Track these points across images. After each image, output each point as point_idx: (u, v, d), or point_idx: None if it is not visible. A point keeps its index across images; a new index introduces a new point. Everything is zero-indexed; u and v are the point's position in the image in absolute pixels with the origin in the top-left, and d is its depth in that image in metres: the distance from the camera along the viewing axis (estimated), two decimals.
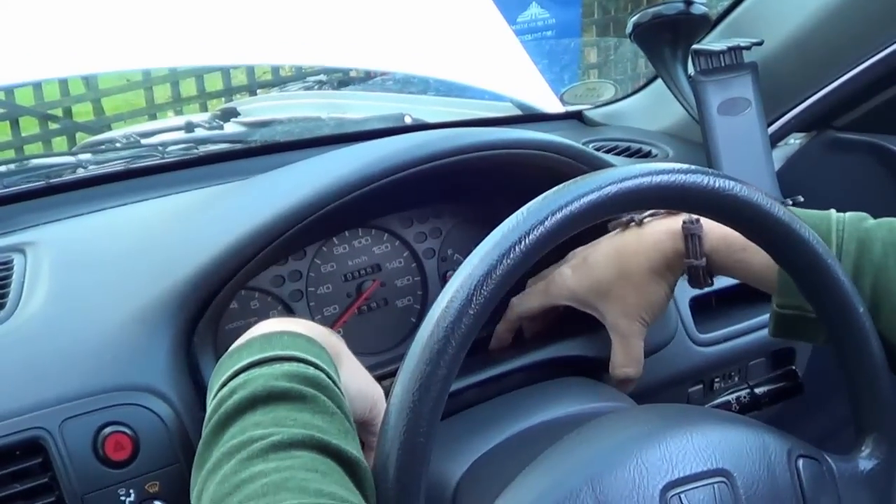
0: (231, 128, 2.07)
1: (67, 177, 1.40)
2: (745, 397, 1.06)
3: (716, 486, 0.78)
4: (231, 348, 0.84)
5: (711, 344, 1.21)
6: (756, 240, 0.84)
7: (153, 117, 5.13)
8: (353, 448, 0.74)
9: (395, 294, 1.24)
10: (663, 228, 1.01)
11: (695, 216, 0.98)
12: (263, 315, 1.16)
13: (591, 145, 1.43)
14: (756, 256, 0.94)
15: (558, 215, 0.73)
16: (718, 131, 1.24)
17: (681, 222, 0.99)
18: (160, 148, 1.53)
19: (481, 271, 0.71)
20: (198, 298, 0.96)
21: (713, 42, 1.29)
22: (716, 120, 1.23)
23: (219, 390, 0.79)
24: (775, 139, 1.32)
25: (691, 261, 0.99)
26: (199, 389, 0.95)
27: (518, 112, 1.72)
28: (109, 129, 4.04)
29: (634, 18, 1.34)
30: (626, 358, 1.06)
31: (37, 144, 4.52)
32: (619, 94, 1.59)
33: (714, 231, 0.98)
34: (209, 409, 0.78)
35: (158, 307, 0.95)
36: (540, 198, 0.74)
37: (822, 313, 0.85)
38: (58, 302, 1.00)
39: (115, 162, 1.47)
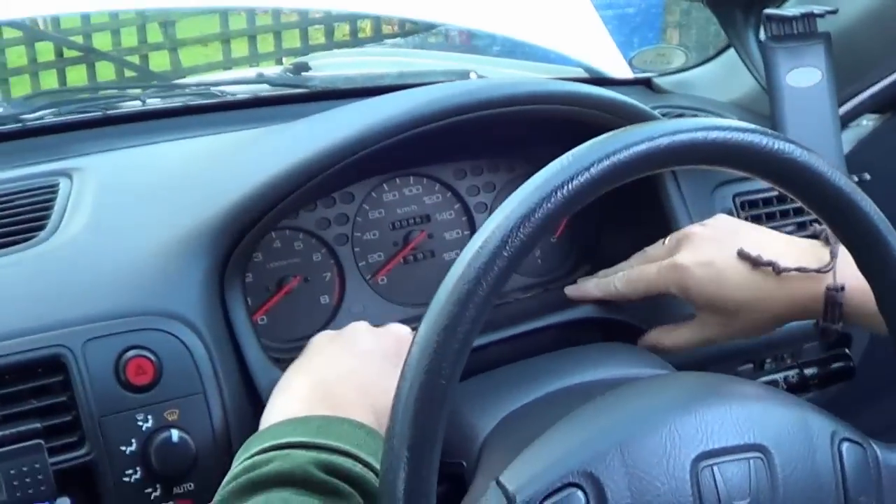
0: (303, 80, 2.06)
1: (124, 109, 1.39)
2: (793, 377, 1.02)
3: (751, 461, 0.74)
4: (286, 418, 0.81)
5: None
6: (814, 209, 0.79)
7: (228, 70, 5.14)
8: None
9: (443, 247, 1.21)
10: (806, 290, 0.97)
11: (839, 283, 0.95)
12: (307, 257, 1.14)
13: (656, 111, 1.38)
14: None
15: (605, 163, 0.69)
16: (786, 101, 1.18)
17: (824, 287, 0.96)
18: (222, 91, 1.52)
19: (519, 213, 0.67)
20: (231, 232, 0.95)
21: (789, 8, 1.23)
22: (784, 89, 1.18)
23: (258, 453, 0.76)
24: (847, 119, 1.26)
25: (828, 325, 0.97)
26: (226, 322, 0.93)
27: (586, 76, 1.68)
28: (183, 79, 4.05)
29: None
30: (680, 341, 1.04)
31: (111, 91, 4.54)
32: (690, 61, 1.54)
33: (857, 294, 0.94)
34: (239, 465, 0.76)
35: (193, 238, 0.94)
36: (587, 144, 0.71)
37: (881, 292, 0.81)
38: (95, 227, 0.99)
39: (176, 98, 1.46)
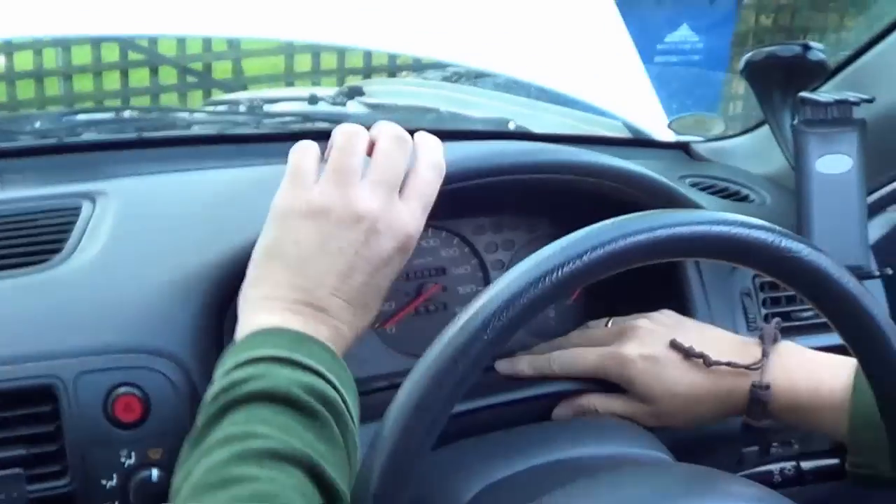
0: (353, 106, 2.07)
1: (159, 133, 1.41)
2: (789, 470, 1.00)
3: None
4: (261, 326, 0.80)
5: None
6: (820, 309, 0.78)
7: (290, 84, 5.17)
8: (343, 484, 0.72)
9: (456, 300, 1.21)
10: (734, 386, 0.99)
11: (765, 381, 0.97)
12: None
13: (687, 180, 1.37)
14: (827, 418, 0.94)
15: (599, 252, 0.69)
16: (814, 187, 1.17)
17: (749, 384, 0.98)
18: (259, 116, 1.54)
19: (503, 297, 0.67)
20: (234, 273, 0.95)
21: (826, 93, 1.22)
22: (813, 174, 1.17)
23: (235, 368, 0.76)
24: (875, 208, 1.24)
25: (750, 421, 0.99)
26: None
27: (626, 133, 1.67)
28: (245, 89, 4.09)
29: (748, 56, 1.27)
30: (610, 409, 1.04)
31: (172, 94, 4.60)
32: (729, 130, 1.52)
33: (783, 394, 0.97)
34: (219, 381, 0.76)
35: (197, 276, 0.95)
36: (583, 231, 0.70)
37: (882, 399, 0.79)
38: (106, 256, 1.00)
39: (209, 125, 1.48)
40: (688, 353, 1.00)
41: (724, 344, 1.02)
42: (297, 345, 0.78)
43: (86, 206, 1.12)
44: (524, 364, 1.10)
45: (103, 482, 0.85)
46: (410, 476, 0.66)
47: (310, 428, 0.72)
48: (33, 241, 1.04)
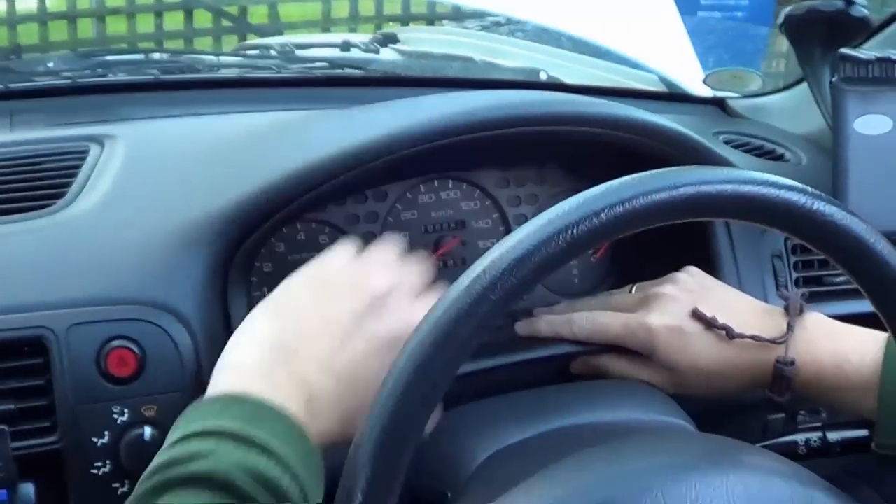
0: (386, 53, 2.04)
1: (177, 76, 1.37)
2: (815, 441, 0.96)
3: None
4: (220, 393, 0.72)
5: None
6: (852, 276, 0.73)
7: (326, 30, 5.13)
8: None
9: (476, 255, 1.14)
10: (757, 360, 0.96)
11: (789, 357, 0.94)
12: None
13: (721, 137, 1.32)
14: (851, 395, 0.91)
15: (618, 209, 0.64)
16: (851, 147, 1.11)
17: (774, 359, 0.94)
18: (284, 61, 1.49)
19: (513, 256, 0.63)
20: (242, 224, 0.91)
21: (868, 50, 1.16)
22: (851, 134, 1.11)
23: (182, 439, 0.68)
24: None
25: (774, 396, 0.95)
26: (223, 319, 0.90)
27: (660, 87, 1.62)
28: (281, 34, 4.05)
29: (788, 10, 1.22)
30: (627, 374, 1.02)
31: (206, 39, 4.57)
32: (767, 87, 1.46)
33: (807, 370, 0.93)
34: (162, 453, 0.68)
35: (201, 226, 0.91)
36: (602, 187, 0.66)
37: None
38: (112, 202, 0.97)
39: (232, 68, 1.44)
40: (710, 325, 0.96)
41: (748, 314, 0.98)
42: (257, 418, 0.69)
43: (93, 150, 1.09)
44: (543, 324, 1.06)
45: (94, 439, 0.81)
46: (410, 442, 0.63)
47: None
48: (37, 185, 1.00)
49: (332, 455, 0.76)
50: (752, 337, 0.95)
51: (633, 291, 1.06)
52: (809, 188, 0.68)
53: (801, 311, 0.96)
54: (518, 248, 0.63)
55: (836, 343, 0.93)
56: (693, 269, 1.05)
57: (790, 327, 0.95)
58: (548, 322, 1.05)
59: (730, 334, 0.95)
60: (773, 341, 0.94)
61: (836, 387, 0.92)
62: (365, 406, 0.75)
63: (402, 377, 0.62)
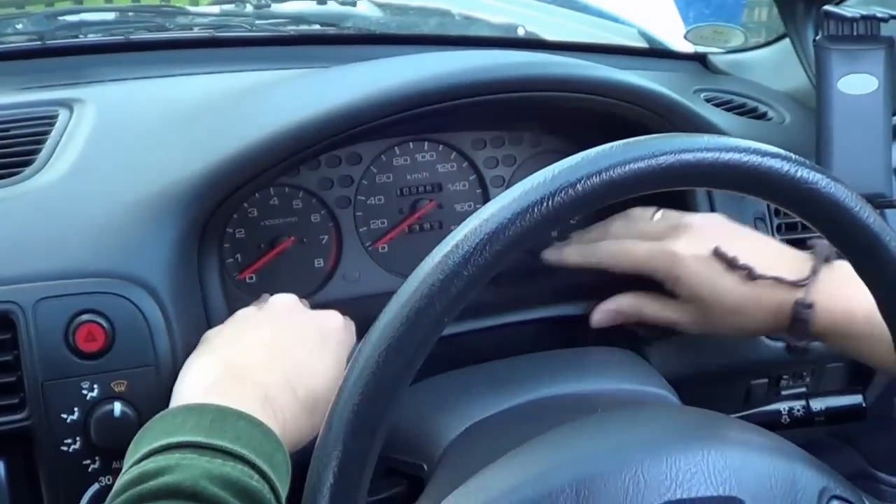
0: (363, 7, 1.99)
1: (147, 35, 1.34)
2: (798, 410, 0.95)
3: None
4: (180, 405, 0.74)
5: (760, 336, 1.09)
6: (836, 243, 0.72)
7: None
8: None
9: (452, 218, 1.15)
10: (778, 302, 0.93)
11: (809, 300, 0.92)
12: (304, 217, 1.09)
13: (703, 94, 1.30)
14: (870, 344, 0.88)
15: (594, 180, 0.62)
16: (835, 107, 1.09)
17: (794, 301, 0.92)
18: (252, 17, 1.46)
19: (487, 229, 0.61)
20: (215, 192, 0.89)
21: (852, 7, 1.13)
22: (834, 93, 1.08)
23: (147, 455, 0.69)
24: None
25: (791, 339, 0.94)
26: (196, 289, 0.88)
27: (641, 42, 1.59)
28: None
29: None
30: (658, 316, 1.00)
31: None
32: (749, 42, 1.44)
33: (826, 315, 0.91)
34: (128, 471, 0.68)
35: (171, 195, 0.88)
36: (578, 156, 0.64)
37: None
38: (80, 171, 0.94)
39: (203, 27, 1.40)
40: (732, 264, 0.94)
41: (773, 257, 0.96)
42: (220, 424, 0.71)
43: (62, 115, 1.06)
44: (572, 251, 1.05)
45: (64, 416, 0.79)
46: (382, 421, 0.61)
47: None
48: (3, 153, 0.97)
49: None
50: (774, 278, 0.93)
51: (657, 217, 1.03)
52: (793, 155, 0.66)
53: (829, 259, 0.94)
54: (492, 222, 0.61)
55: (860, 292, 0.91)
56: (717, 215, 1.03)
57: (815, 270, 0.93)
58: (577, 250, 1.05)
59: (751, 274, 0.93)
60: (795, 283, 0.92)
61: (854, 335, 0.90)
62: (319, 393, 0.80)
63: (373, 356, 0.60)
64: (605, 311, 1.03)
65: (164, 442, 0.69)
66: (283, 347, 0.83)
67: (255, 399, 0.75)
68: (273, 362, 0.80)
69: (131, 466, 0.68)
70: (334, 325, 0.89)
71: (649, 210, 1.05)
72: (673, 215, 1.02)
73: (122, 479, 0.67)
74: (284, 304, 0.90)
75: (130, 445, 0.72)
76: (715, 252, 0.95)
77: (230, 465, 0.67)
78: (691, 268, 0.95)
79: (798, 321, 0.92)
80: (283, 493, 0.71)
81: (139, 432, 0.72)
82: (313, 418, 0.80)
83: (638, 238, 1.01)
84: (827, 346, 0.95)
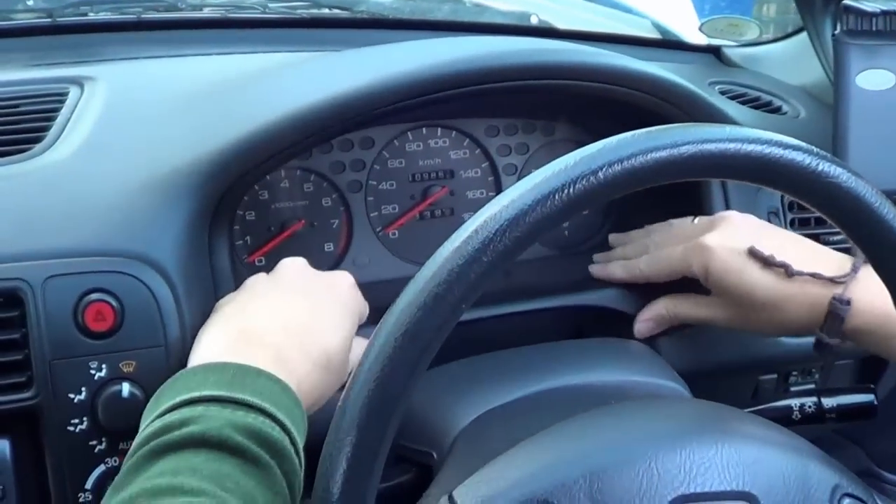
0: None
1: (158, 15, 1.32)
2: (809, 407, 0.94)
3: None
4: (198, 364, 0.75)
5: (796, 335, 1.08)
6: (854, 240, 0.71)
7: None
8: None
9: (464, 206, 1.14)
10: (814, 298, 0.92)
11: (847, 296, 0.90)
12: (315, 201, 1.08)
13: (717, 87, 1.29)
14: None
15: (616, 168, 0.61)
16: (853, 102, 1.08)
17: (830, 297, 0.91)
18: (264, 0, 1.45)
19: (507, 216, 0.60)
20: (227, 173, 0.88)
21: (872, 2, 1.12)
22: (853, 89, 1.07)
23: (169, 410, 0.69)
24: None
25: (823, 336, 0.92)
26: (206, 270, 0.87)
27: (654, 34, 1.58)
28: None
29: None
30: (691, 313, 1.00)
31: None
32: (764, 36, 1.43)
33: (864, 313, 0.90)
34: (150, 425, 0.69)
35: (183, 175, 0.87)
36: (598, 144, 0.63)
37: None
38: (91, 149, 0.93)
39: (215, 7, 1.39)
40: (767, 262, 0.93)
41: (810, 254, 0.95)
42: (240, 379, 0.71)
43: (73, 92, 1.05)
44: (618, 268, 1.06)
45: (71, 396, 0.78)
46: (397, 408, 0.60)
47: (249, 475, 0.65)
48: (13, 129, 0.96)
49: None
50: (812, 274, 0.92)
51: (696, 221, 1.03)
52: (815, 149, 0.65)
53: None
54: (512, 208, 0.60)
55: None
56: (750, 216, 1.02)
57: (855, 268, 0.92)
58: (621, 267, 1.05)
59: (788, 271, 0.92)
60: (833, 279, 0.91)
61: (889, 335, 0.89)
62: (332, 351, 0.80)
63: (389, 341, 0.59)
64: (646, 322, 1.03)
65: (186, 396, 0.69)
66: (294, 309, 0.83)
67: (269, 360, 0.75)
68: (284, 325, 0.80)
69: (153, 420, 0.69)
70: (344, 284, 0.89)
71: (688, 218, 1.05)
72: (711, 217, 1.02)
73: (144, 432, 0.68)
74: (294, 268, 0.90)
75: (149, 402, 0.73)
76: (750, 251, 0.94)
77: (252, 417, 0.68)
78: (723, 260, 0.94)
79: (834, 318, 0.90)
80: (301, 448, 0.71)
81: (158, 390, 0.73)
82: (328, 376, 0.80)
83: (673, 240, 1.01)
84: (858, 344, 0.93)
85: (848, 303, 0.90)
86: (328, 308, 0.84)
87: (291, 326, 0.80)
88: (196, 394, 0.69)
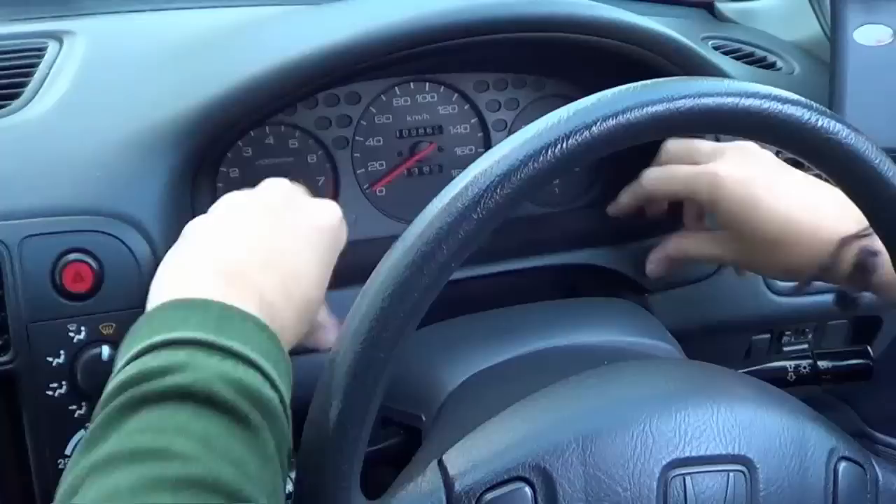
0: None
1: None
2: (804, 368, 0.92)
3: (731, 474, 0.66)
4: (178, 298, 0.65)
5: (789, 294, 1.07)
6: (852, 197, 0.69)
7: None
8: None
9: (452, 162, 1.12)
10: (834, 244, 0.87)
11: (876, 247, 0.83)
12: (301, 157, 1.05)
13: (710, 42, 1.26)
14: None
15: (610, 122, 0.60)
16: (850, 58, 1.06)
17: (856, 250, 0.85)
18: None
19: (499, 171, 0.58)
20: (209, 129, 0.86)
21: None
22: (849, 44, 1.05)
23: (146, 351, 0.60)
24: None
25: (849, 289, 0.89)
26: None
27: None
28: None
29: None
30: (703, 251, 0.97)
31: None
32: None
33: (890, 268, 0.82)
34: (125, 368, 0.60)
35: (164, 131, 0.85)
36: (593, 97, 0.61)
37: None
38: (69, 105, 0.90)
39: None
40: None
41: (831, 199, 0.89)
42: (227, 323, 0.63)
43: (52, 47, 1.02)
44: (623, 195, 1.01)
45: (49, 359, 0.77)
46: (385, 368, 0.59)
47: (237, 438, 0.57)
48: None
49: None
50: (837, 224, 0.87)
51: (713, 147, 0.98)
52: (814, 104, 0.64)
53: None
54: (504, 163, 0.58)
55: None
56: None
57: None
58: (625, 192, 1.01)
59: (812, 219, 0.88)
60: (858, 233, 0.86)
61: None
62: (312, 297, 0.74)
63: (376, 302, 0.58)
64: (657, 261, 1.00)
65: (165, 336, 0.60)
66: (279, 246, 0.74)
67: (252, 301, 0.67)
68: (269, 262, 0.72)
69: (128, 364, 0.60)
70: (331, 222, 0.80)
71: (707, 141, 0.99)
72: (729, 143, 0.96)
73: (117, 377, 0.60)
74: (279, 193, 0.80)
75: (123, 341, 0.64)
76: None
77: (242, 370, 0.60)
78: (730, 188, 0.90)
79: (860, 268, 0.85)
80: (289, 409, 0.64)
81: (132, 327, 0.64)
82: (301, 325, 0.74)
83: (685, 160, 0.96)
84: (884, 298, 0.87)
85: (875, 254, 0.84)
86: (314, 249, 0.76)
87: (276, 266, 0.72)
88: (177, 334, 0.61)
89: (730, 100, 0.62)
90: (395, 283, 0.57)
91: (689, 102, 0.61)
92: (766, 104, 0.62)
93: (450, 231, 0.58)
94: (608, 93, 0.61)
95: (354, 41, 0.89)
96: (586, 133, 0.59)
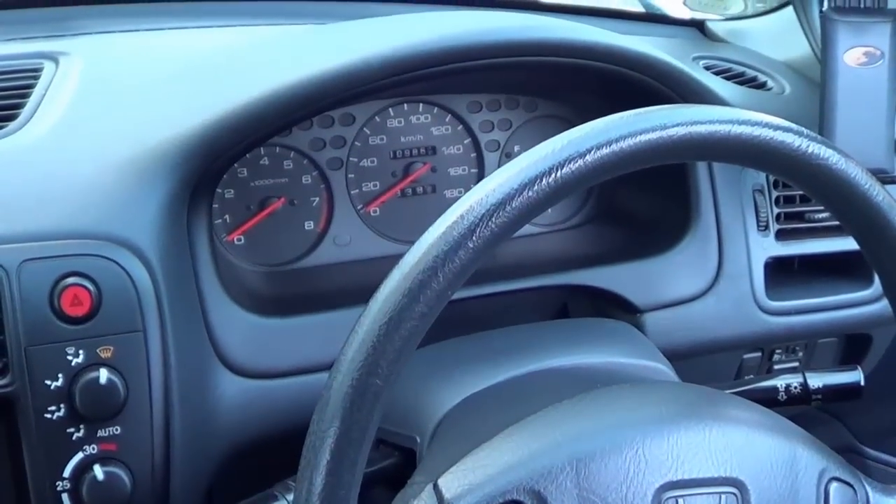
0: None
1: None
2: (795, 387, 0.93)
3: (723, 496, 0.66)
4: None
5: (780, 314, 1.08)
6: (842, 221, 0.70)
7: None
8: None
9: (446, 183, 1.13)
10: None
11: None
12: (295, 178, 1.06)
13: (702, 62, 1.27)
14: None
15: (604, 150, 0.60)
16: (840, 79, 1.07)
17: None
18: None
19: (494, 200, 0.59)
20: (205, 153, 0.86)
21: None
22: (839, 66, 1.06)
23: None
24: None
25: None
26: (185, 251, 0.86)
27: (638, 7, 1.56)
28: None
29: None
30: None
31: None
32: (749, 9, 1.41)
33: None
34: None
35: (161, 155, 0.86)
36: (587, 126, 0.62)
37: None
38: (66, 128, 0.91)
39: None
40: None
41: None
42: None
43: (47, 68, 1.03)
44: None
45: (47, 382, 0.77)
46: (381, 398, 0.59)
47: None
48: None
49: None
50: None
51: None
52: (805, 130, 0.65)
53: None
54: (499, 192, 0.59)
55: None
56: None
57: None
58: None
59: None
60: None
61: None
62: None
63: (373, 329, 0.58)
64: None
65: None
66: None
67: None
68: None
69: None
70: None
71: None
72: None
73: None
74: None
75: None
76: None
77: None
78: None
79: None
80: None
81: None
82: None
83: None
84: None
85: None
86: None
87: None
88: None
89: (722, 127, 0.63)
90: (392, 311, 0.58)
91: (681, 130, 0.62)
92: (756, 131, 0.63)
93: (446, 259, 0.58)
94: (601, 121, 0.62)
95: (349, 68, 0.90)
96: (580, 162, 0.60)
